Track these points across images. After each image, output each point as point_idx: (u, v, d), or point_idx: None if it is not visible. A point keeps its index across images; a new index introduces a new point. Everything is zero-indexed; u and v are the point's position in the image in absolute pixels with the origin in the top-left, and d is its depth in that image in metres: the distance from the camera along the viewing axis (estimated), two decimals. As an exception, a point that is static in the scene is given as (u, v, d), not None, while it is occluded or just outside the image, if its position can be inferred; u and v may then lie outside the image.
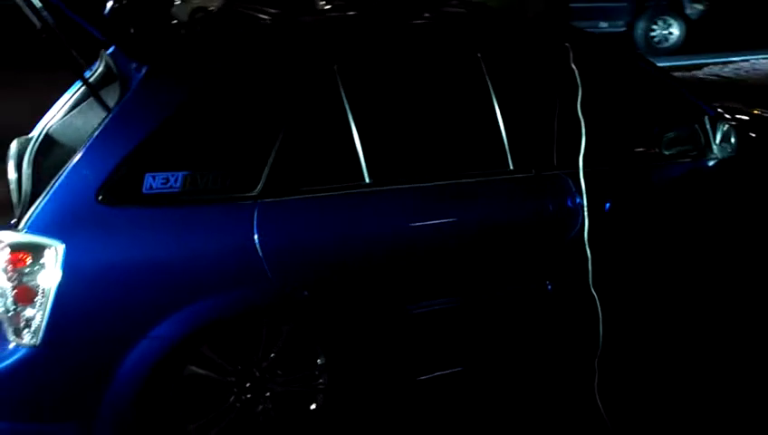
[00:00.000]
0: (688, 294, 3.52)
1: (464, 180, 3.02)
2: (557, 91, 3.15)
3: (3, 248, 2.55)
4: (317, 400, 2.96)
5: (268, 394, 2.88)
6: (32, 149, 3.24)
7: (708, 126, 3.38)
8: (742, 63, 10.07)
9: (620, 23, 10.83)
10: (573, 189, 3.12)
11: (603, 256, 3.09)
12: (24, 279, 2.52)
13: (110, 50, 2.87)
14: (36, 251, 2.52)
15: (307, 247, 2.78)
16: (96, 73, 3.27)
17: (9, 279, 2.53)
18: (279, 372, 2.88)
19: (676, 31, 10.88)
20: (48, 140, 3.28)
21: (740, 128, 3.51)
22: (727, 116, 3.60)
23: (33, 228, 2.54)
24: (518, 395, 3.33)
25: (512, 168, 3.05)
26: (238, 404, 2.86)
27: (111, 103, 2.83)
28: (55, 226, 2.54)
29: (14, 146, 3.34)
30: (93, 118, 3.07)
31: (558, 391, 3.32)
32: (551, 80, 3.17)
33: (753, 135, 3.68)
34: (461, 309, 3.06)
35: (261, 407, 2.88)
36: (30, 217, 2.56)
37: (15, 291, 2.53)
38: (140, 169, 2.60)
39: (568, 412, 3.19)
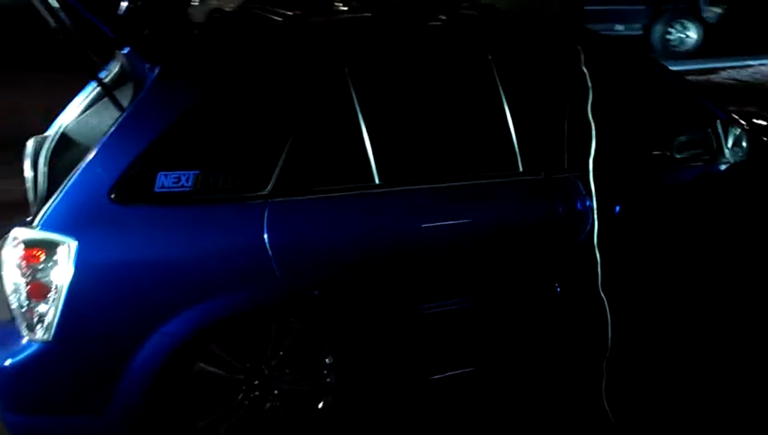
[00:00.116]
0: (698, 299, 3.51)
1: (473, 182, 3.03)
2: (568, 93, 3.16)
3: (17, 245, 2.59)
4: (325, 398, 2.98)
5: (276, 392, 2.91)
6: (48, 147, 3.29)
7: (720, 130, 3.37)
8: (760, 67, 10.00)
9: (637, 26, 10.78)
10: (583, 192, 3.12)
11: (612, 259, 3.09)
12: (38, 275, 2.56)
13: (125, 50, 2.91)
14: (50, 248, 2.56)
15: (316, 247, 2.80)
16: (111, 73, 3.31)
17: (23, 275, 2.57)
18: (287, 370, 2.90)
19: (693, 34, 10.82)
20: (64, 139, 3.33)
21: (752, 132, 3.49)
22: (740, 120, 3.58)
23: (46, 225, 2.58)
24: (527, 396, 3.33)
25: (521, 170, 3.06)
26: (247, 402, 2.88)
27: (125, 103, 2.87)
28: (69, 223, 2.58)
29: (30, 145, 3.38)
30: (108, 117, 3.11)
31: (566, 392, 3.32)
32: (561, 82, 3.18)
33: (766, 139, 3.66)
34: (468, 310, 3.07)
35: (269, 405, 2.91)
36: (44, 214, 2.60)
37: (29, 287, 2.57)
38: (152, 168, 2.64)
39: (576, 414, 3.19)
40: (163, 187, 2.64)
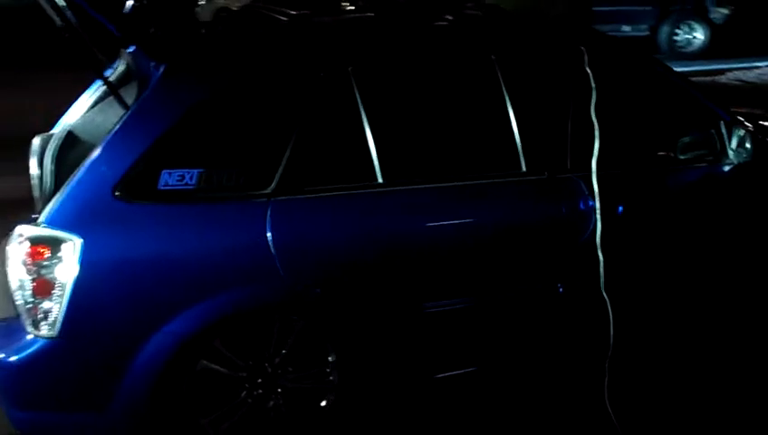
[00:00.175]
0: (701, 299, 3.51)
1: (476, 182, 3.04)
2: (571, 93, 3.16)
3: (22, 242, 2.61)
4: (328, 397, 2.99)
5: (279, 390, 2.92)
6: (53, 145, 3.31)
7: (724, 131, 3.37)
8: (767, 69, 9.96)
9: (644, 27, 10.77)
10: (586, 192, 3.12)
11: (615, 260, 3.10)
12: (43, 272, 2.58)
13: (131, 49, 2.93)
14: (54, 245, 2.58)
15: (319, 246, 2.81)
16: (117, 72, 3.33)
17: (28, 272, 2.59)
18: (290, 368, 2.92)
19: (700, 35, 10.80)
20: (69, 137, 3.35)
21: (756, 133, 3.49)
22: (745, 122, 3.58)
23: (51, 223, 2.60)
24: (529, 396, 3.33)
25: (525, 170, 3.07)
26: (250, 400, 2.89)
27: (130, 101, 2.88)
28: (73, 220, 2.60)
29: (36, 142, 3.40)
30: (113, 115, 3.13)
31: (569, 392, 3.32)
32: (565, 82, 3.18)
33: (770, 140, 3.66)
34: (470, 310, 3.07)
35: (272, 402, 2.92)
36: (49, 211, 2.62)
37: (34, 284, 2.59)
38: (156, 166, 2.65)
39: (578, 414, 3.20)
40: (167, 184, 2.66)
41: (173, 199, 2.67)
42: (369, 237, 2.88)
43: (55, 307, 2.57)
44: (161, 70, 2.76)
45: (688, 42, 10.85)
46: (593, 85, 3.11)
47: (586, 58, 3.16)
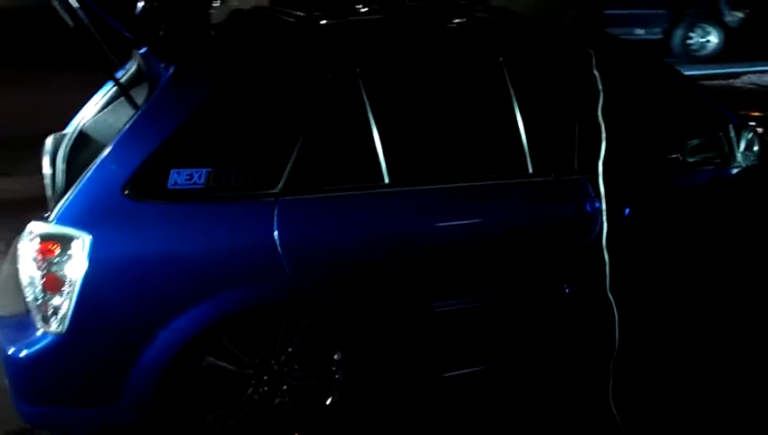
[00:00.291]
0: (706, 302, 3.50)
1: (482, 183, 3.05)
2: (578, 96, 3.17)
3: (33, 239, 2.65)
4: (333, 394, 3.01)
5: (285, 387, 2.94)
6: (66, 145, 3.36)
7: (732, 134, 3.37)
8: (781, 72, 9.93)
9: (657, 30, 10.74)
10: (593, 194, 3.13)
11: (621, 261, 3.10)
12: (53, 268, 2.62)
13: (142, 50, 2.97)
14: (64, 242, 2.62)
15: (326, 246, 2.84)
16: (128, 72, 3.37)
17: (38, 268, 2.63)
18: (296, 366, 2.94)
19: (714, 39, 10.76)
20: (81, 137, 3.40)
21: (764, 136, 3.49)
22: (757, 127, 3.57)
23: (62, 220, 2.64)
24: (535, 396, 3.34)
25: (531, 171, 3.08)
26: (256, 397, 2.92)
27: (141, 102, 2.92)
28: (83, 218, 2.64)
29: (49, 142, 3.45)
30: (124, 115, 3.17)
31: (574, 393, 3.33)
32: (572, 85, 3.19)
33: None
34: (476, 310, 3.09)
35: (278, 400, 2.94)
36: (59, 209, 2.66)
37: (44, 280, 2.63)
38: (166, 166, 2.69)
39: (583, 415, 3.20)
40: (176, 184, 2.69)
41: (182, 198, 2.70)
42: (376, 238, 2.90)
43: (65, 303, 2.61)
44: (171, 71, 2.80)
45: (702, 45, 10.81)
46: (601, 88, 3.12)
47: (594, 61, 3.16)
